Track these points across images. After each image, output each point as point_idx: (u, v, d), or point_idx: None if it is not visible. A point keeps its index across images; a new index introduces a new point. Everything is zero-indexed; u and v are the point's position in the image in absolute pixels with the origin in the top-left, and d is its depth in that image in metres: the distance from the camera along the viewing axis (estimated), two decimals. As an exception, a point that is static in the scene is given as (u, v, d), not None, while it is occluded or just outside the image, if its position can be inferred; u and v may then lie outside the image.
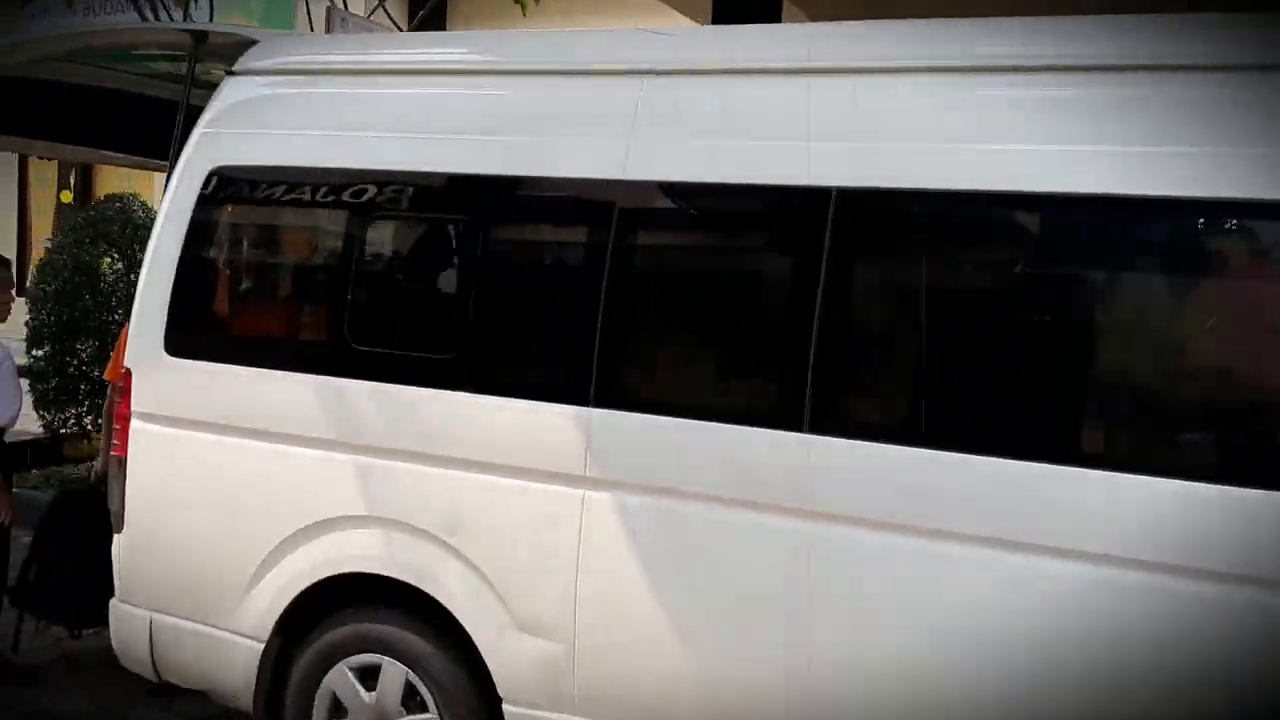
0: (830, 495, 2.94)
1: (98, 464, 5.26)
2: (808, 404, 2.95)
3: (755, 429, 3.01)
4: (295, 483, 3.63)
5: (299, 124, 3.79)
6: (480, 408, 3.36)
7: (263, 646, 3.68)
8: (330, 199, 3.75)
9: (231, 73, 3.96)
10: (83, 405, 8.34)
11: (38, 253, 16.62)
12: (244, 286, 4.00)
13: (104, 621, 5.14)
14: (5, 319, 5.14)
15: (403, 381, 3.48)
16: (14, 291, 5.11)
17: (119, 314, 8.39)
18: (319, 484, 3.59)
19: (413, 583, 3.45)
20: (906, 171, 2.94)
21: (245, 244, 4.00)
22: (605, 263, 3.23)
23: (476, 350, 3.44)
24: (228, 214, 3.93)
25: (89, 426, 8.60)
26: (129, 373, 3.91)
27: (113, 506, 3.95)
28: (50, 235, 16.27)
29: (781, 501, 2.98)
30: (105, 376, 5.29)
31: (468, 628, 3.38)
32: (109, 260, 8.46)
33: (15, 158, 15.44)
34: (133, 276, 8.47)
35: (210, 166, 3.85)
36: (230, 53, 4.04)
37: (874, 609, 2.90)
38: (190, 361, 3.82)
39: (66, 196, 16.05)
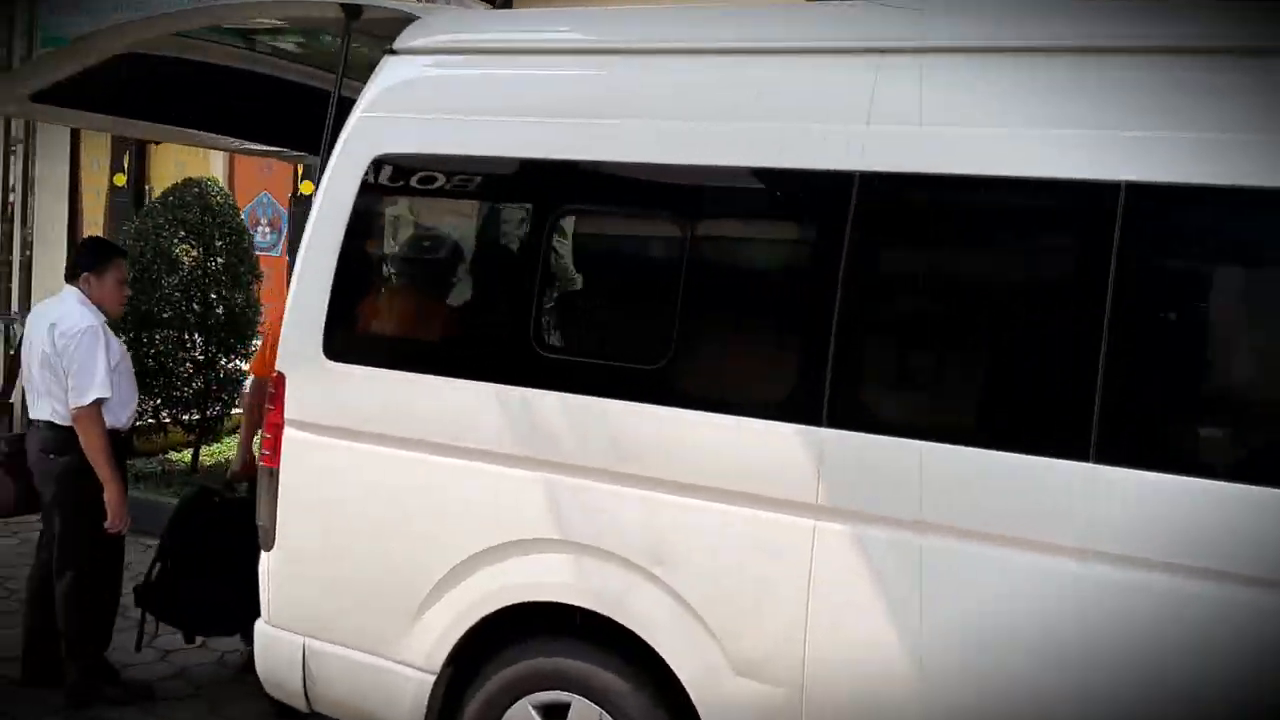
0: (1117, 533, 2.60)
1: (234, 464, 4.98)
2: (1094, 428, 2.61)
3: (1033, 457, 2.67)
4: (474, 502, 3.32)
5: (474, 108, 3.46)
6: (691, 424, 3.03)
7: (433, 679, 3.38)
8: (513, 191, 3.44)
9: (391, 51, 3.64)
10: (158, 398, 8.08)
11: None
12: (413, 285, 3.69)
13: (223, 631, 4.91)
14: (120, 313, 4.85)
15: (598, 393, 3.16)
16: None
17: (196, 305, 8.12)
18: (501, 504, 3.28)
19: (609, 615, 3.14)
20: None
21: (414, 239, 3.68)
22: (841, 264, 2.89)
23: (686, 360, 3.11)
24: (394, 206, 3.62)
25: (164, 419, 8.36)
26: (281, 377, 3.60)
27: (262, 522, 3.65)
28: (103, 220, 16.13)
29: (1058, 539, 2.65)
30: (251, 370, 5.00)
31: (674, 667, 3.07)
32: (186, 248, 8.17)
33: (67, 139, 15.17)
34: (210, 265, 8.20)
35: (372, 154, 3.53)
36: (379, 29, 3.73)
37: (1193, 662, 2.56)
38: (352, 366, 3.51)
39: (120, 180, 15.86)
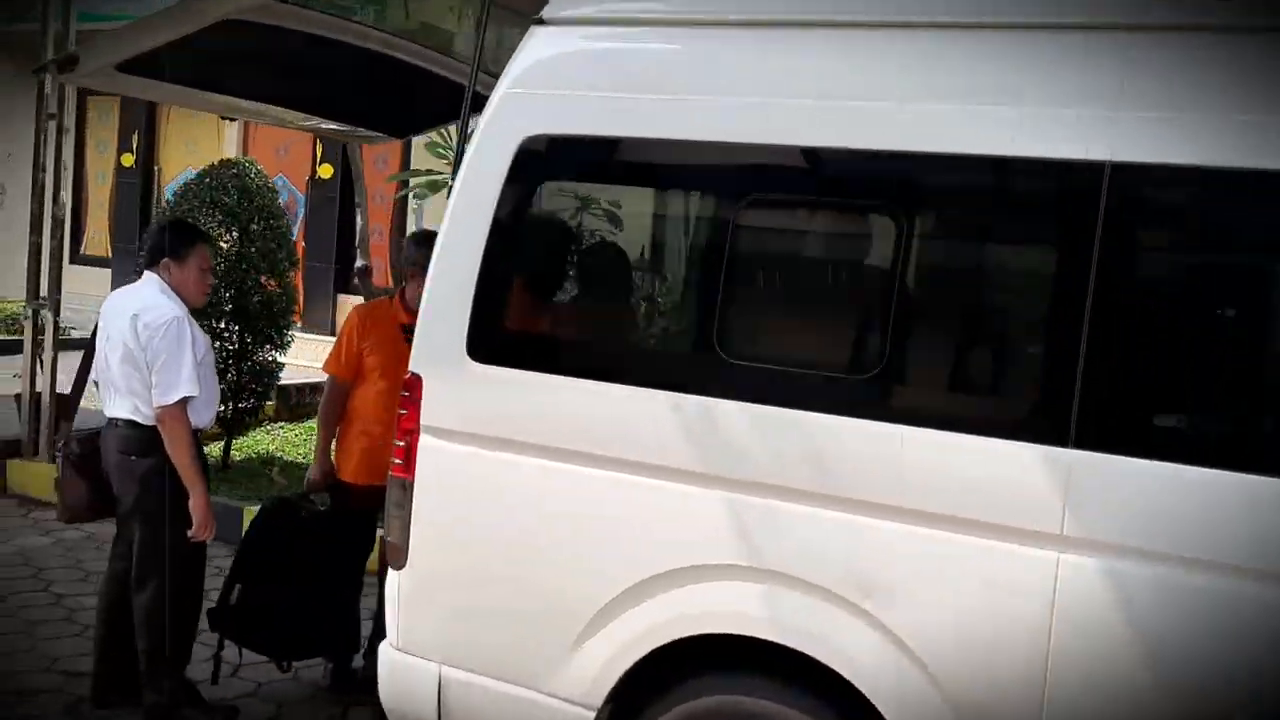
0: None
1: (311, 472, 4.63)
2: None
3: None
4: (647, 522, 2.99)
5: (642, 85, 3.11)
6: (908, 442, 2.72)
7: (593, 716, 3.06)
8: (695, 178, 3.11)
9: (540, 21, 3.30)
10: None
11: (95, 221, 15.95)
12: (574, 280, 3.35)
13: (318, 653, 4.57)
14: (202, 303, 4.49)
15: (794, 405, 2.83)
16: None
17: (231, 292, 7.75)
18: (677, 525, 2.96)
19: (807, 652, 2.82)
20: None
21: (575, 229, 3.33)
22: (1092, 265, 2.58)
23: (901, 371, 2.80)
24: (549, 192, 3.28)
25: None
26: (417, 379, 3.27)
27: (392, 538, 3.32)
28: (109, 202, 15.67)
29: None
30: (326, 370, 4.64)
31: (887, 714, 2.75)
32: (221, 232, 7.78)
33: (74, 119, 14.69)
34: (247, 250, 7.83)
35: (521, 135, 3.19)
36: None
37: None
38: (502, 369, 3.18)
39: (128, 160, 15.41)
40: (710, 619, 2.93)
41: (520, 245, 3.25)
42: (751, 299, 3.04)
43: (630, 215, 3.27)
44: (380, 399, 4.54)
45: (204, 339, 4.20)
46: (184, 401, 4.03)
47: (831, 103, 2.86)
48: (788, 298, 3.07)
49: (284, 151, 13.77)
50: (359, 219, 9.44)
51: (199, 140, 14.75)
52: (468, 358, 3.20)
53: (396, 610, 3.33)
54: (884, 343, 2.78)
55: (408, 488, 3.28)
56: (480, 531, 3.21)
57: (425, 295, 3.30)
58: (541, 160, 3.21)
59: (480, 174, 3.24)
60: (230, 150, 13.74)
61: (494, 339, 3.21)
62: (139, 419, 4.09)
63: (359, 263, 9.72)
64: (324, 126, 6.34)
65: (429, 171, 9.33)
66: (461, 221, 3.25)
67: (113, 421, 4.15)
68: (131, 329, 4.05)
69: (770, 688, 2.91)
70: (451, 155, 8.60)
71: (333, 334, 10.40)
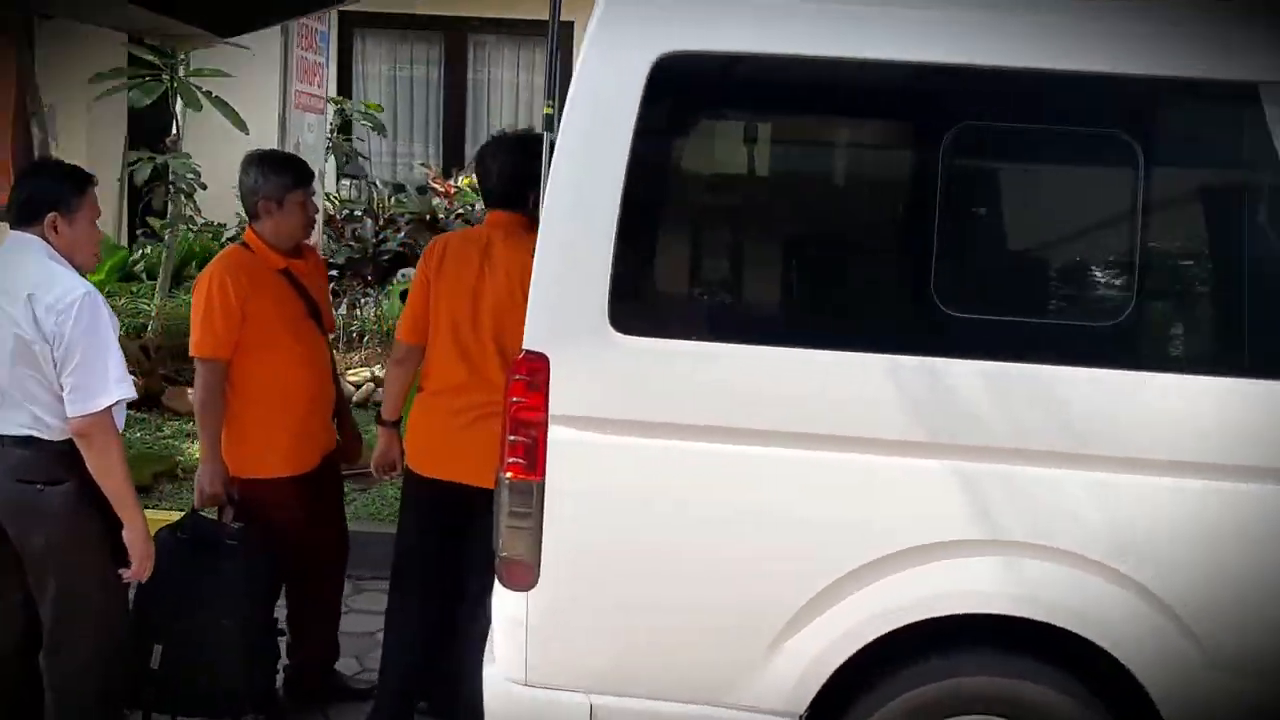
0: None
1: (203, 481, 3.70)
2: None
3: None
4: (859, 503, 2.64)
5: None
6: (1165, 390, 2.56)
7: (797, 723, 2.71)
8: (900, 105, 2.70)
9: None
10: None
11: None
12: (748, 230, 2.82)
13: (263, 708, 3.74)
14: (94, 266, 3.44)
15: (1034, 359, 2.58)
16: None
17: None
18: (900, 502, 2.63)
19: (1062, 625, 2.62)
20: None
21: (742, 166, 2.82)
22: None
23: (1151, 314, 2.62)
24: (703, 122, 2.75)
25: None
26: (542, 360, 2.67)
27: (513, 554, 2.72)
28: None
29: None
30: (198, 353, 3.73)
31: (1141, 677, 2.61)
32: None
33: None
34: None
35: (655, 52, 2.64)
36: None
37: None
38: (661, 340, 2.66)
39: None
40: (944, 600, 2.65)
41: (673, 189, 2.74)
42: (972, 243, 2.73)
43: (814, 149, 2.83)
44: (287, 371, 3.76)
45: (114, 318, 3.21)
46: (112, 407, 3.08)
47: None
48: (1014, 241, 2.79)
49: None
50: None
51: None
52: (611, 329, 2.65)
53: (522, 640, 2.75)
54: (1131, 284, 2.60)
55: (534, 491, 2.69)
56: (640, 535, 2.70)
57: (539, 257, 2.68)
58: (690, 83, 2.69)
59: (598, 110, 2.66)
60: None
61: (647, 305, 2.70)
62: (42, 434, 3.09)
63: None
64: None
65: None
66: (581, 163, 2.66)
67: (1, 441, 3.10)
68: (27, 315, 3.02)
69: (1000, 663, 2.71)
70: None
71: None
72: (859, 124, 2.87)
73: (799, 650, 2.68)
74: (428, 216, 8.98)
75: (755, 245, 2.86)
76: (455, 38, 10.47)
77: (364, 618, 4.52)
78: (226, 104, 7.11)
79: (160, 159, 7.54)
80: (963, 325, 2.63)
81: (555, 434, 2.68)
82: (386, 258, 8.77)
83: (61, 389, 3.04)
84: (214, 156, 7.13)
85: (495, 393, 3.10)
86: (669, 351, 2.67)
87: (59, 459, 3.09)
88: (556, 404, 2.67)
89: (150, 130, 7.90)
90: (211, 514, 3.78)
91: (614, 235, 2.63)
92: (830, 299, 2.81)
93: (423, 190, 9.63)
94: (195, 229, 8.33)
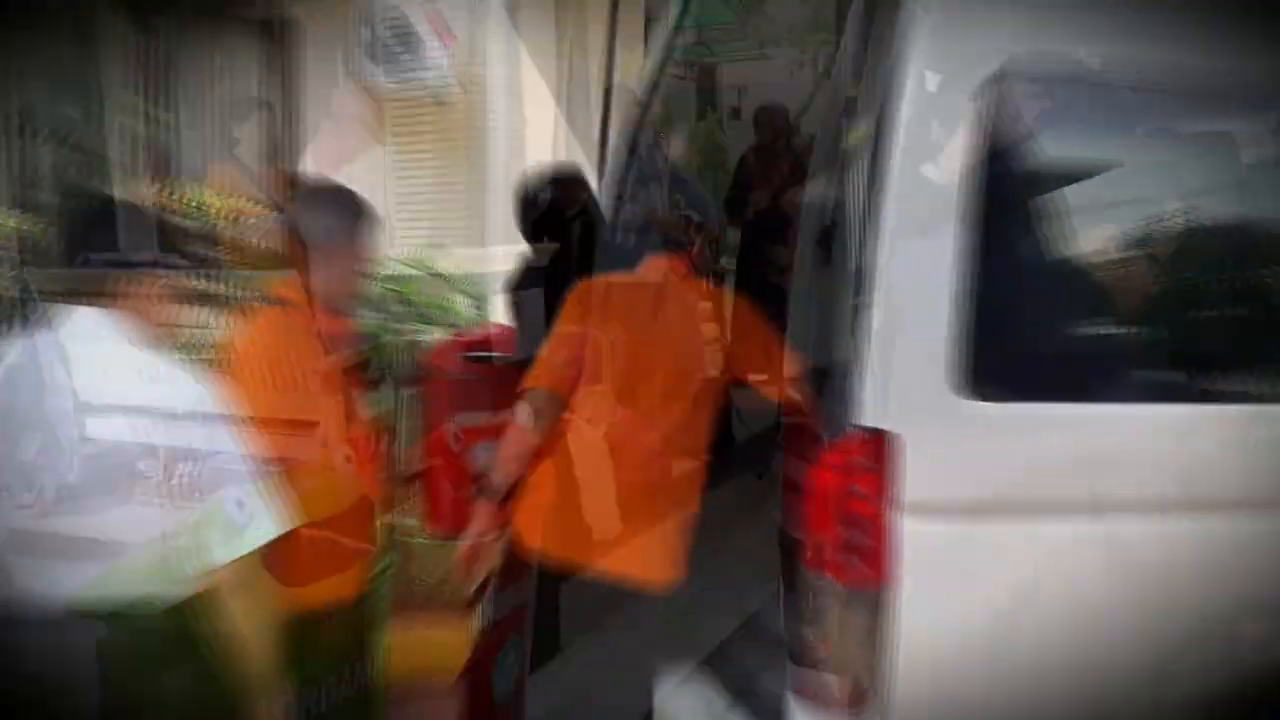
0: None
1: None
2: None
3: None
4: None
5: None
6: None
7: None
8: None
9: None
10: None
11: None
12: (1153, 265, 2.36)
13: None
14: None
15: None
16: None
17: None
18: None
19: None
20: None
21: (1130, 193, 2.36)
22: None
23: None
24: (1064, 144, 2.29)
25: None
26: (878, 439, 2.19)
27: (844, 673, 2.23)
28: None
29: None
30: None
31: None
32: None
33: None
34: None
35: (983, 70, 2.20)
36: None
37: None
38: (1039, 405, 2.22)
39: None
40: None
41: (1029, 232, 2.27)
42: None
43: (1224, 162, 2.38)
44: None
45: None
46: None
47: None
48: None
49: None
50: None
51: None
52: (960, 398, 2.19)
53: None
54: None
55: (876, 599, 2.22)
56: (1037, 630, 2.25)
57: (877, 315, 2.21)
58: (1037, 98, 2.24)
59: (932, 114, 2.21)
60: None
61: (1017, 368, 2.23)
62: None
63: None
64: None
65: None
66: (909, 194, 2.20)
67: None
68: None
69: None
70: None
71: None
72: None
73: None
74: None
75: (1167, 284, 2.40)
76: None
77: None
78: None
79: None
80: None
81: (913, 528, 2.20)
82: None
83: None
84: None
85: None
86: (1052, 417, 2.24)
87: None
88: (914, 489, 2.19)
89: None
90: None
91: (966, 281, 2.18)
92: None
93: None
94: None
